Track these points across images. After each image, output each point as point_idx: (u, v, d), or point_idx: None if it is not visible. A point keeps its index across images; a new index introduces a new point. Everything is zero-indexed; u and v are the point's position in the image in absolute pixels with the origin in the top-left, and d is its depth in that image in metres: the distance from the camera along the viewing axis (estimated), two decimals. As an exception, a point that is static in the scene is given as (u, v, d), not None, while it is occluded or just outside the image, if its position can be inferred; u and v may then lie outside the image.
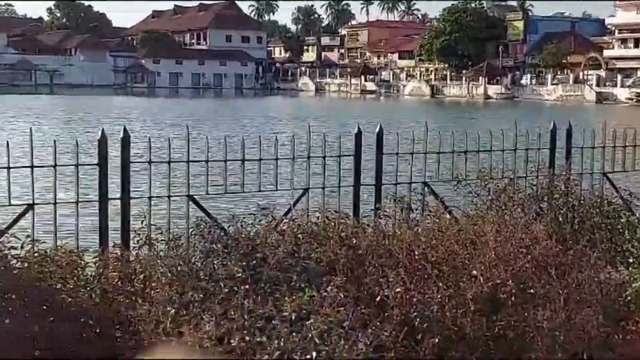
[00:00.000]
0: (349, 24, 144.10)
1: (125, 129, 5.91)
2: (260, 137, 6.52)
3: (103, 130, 5.87)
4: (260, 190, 6.71)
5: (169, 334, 4.00)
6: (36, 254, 4.76)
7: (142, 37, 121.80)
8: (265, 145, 6.73)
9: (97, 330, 4.37)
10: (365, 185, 7.19)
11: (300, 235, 5.23)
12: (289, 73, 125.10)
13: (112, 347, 4.23)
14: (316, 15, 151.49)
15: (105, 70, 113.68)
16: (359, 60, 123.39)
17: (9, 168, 5.52)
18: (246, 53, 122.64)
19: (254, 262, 4.63)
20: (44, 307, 4.26)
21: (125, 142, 5.89)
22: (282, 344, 3.60)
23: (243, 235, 4.96)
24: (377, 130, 7.17)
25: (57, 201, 5.69)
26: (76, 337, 4.24)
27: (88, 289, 4.62)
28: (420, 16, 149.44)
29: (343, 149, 6.90)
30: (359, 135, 7.05)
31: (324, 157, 6.87)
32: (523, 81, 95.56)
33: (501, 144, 7.75)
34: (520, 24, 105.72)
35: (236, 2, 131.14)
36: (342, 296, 3.97)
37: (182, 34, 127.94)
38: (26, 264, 4.55)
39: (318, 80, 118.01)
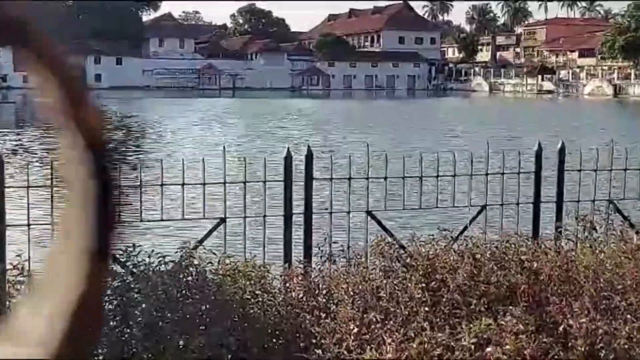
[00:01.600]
0: (526, 22, 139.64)
1: (309, 148, 6.21)
2: (438, 154, 6.58)
3: (288, 148, 6.18)
4: (437, 207, 6.78)
5: (351, 351, 4.16)
6: (228, 267, 5.11)
7: (318, 40, 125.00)
8: (443, 159, 6.77)
9: (283, 342, 4.62)
10: (546, 202, 7.04)
11: (478, 256, 5.23)
12: (462, 73, 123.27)
13: (297, 359, 4.46)
14: (491, 15, 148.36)
15: (283, 73, 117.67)
16: (535, 60, 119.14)
17: (204, 184, 5.96)
18: (419, 54, 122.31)
19: (433, 283, 4.71)
20: (236, 319, 4.57)
21: (309, 160, 6.18)
22: (462, 372, 3.65)
23: (422, 255, 5.05)
24: (559, 146, 7.01)
25: (246, 215, 6.07)
26: (264, 348, 4.52)
27: (275, 302, 4.89)
28: (602, 12, 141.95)
29: (521, 163, 6.82)
30: (539, 153, 6.93)
31: (503, 174, 6.81)
32: None
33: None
34: None
35: (410, 3, 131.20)
36: (522, 327, 3.95)
37: (357, 37, 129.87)
38: (220, 277, 4.90)
39: (492, 80, 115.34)
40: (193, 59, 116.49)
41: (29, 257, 4.87)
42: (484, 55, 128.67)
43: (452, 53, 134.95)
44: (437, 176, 6.61)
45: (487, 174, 6.75)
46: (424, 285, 4.63)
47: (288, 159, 6.12)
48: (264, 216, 6.12)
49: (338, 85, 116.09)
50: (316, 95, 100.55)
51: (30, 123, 43.73)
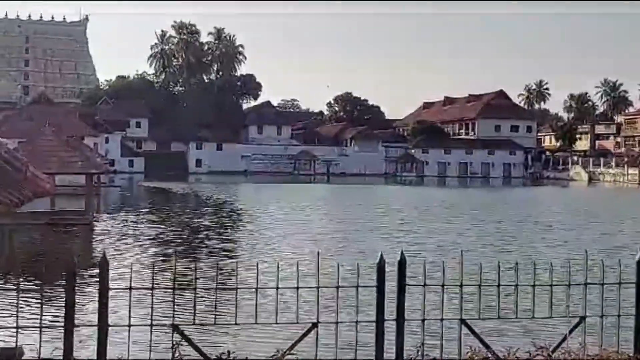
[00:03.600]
0: (626, 111, 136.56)
1: (402, 253, 6.22)
2: (534, 263, 6.47)
3: (382, 254, 6.22)
4: (533, 317, 6.61)
5: None
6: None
7: (413, 127, 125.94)
8: (540, 265, 6.64)
9: None
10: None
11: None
12: (560, 162, 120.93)
13: None
14: (590, 103, 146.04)
15: (377, 159, 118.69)
16: (637, 149, 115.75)
17: (297, 288, 6.05)
18: (515, 142, 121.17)
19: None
20: None
21: (402, 266, 6.18)
22: None
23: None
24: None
25: (339, 321, 6.09)
26: None
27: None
28: None
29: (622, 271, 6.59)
30: (641, 262, 6.69)
31: (602, 285, 6.59)
32: None
33: None
34: None
35: (506, 91, 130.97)
36: None
37: (452, 124, 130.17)
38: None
39: (591, 169, 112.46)
40: (289, 145, 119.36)
41: (128, 357, 5.03)
42: (582, 144, 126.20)
43: (549, 141, 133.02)
44: (534, 285, 6.48)
45: (586, 284, 6.55)
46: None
47: (381, 265, 6.15)
48: (356, 322, 6.12)
49: (432, 171, 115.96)
50: (410, 181, 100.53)
51: (134, 207, 45.54)
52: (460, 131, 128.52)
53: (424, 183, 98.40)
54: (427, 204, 52.02)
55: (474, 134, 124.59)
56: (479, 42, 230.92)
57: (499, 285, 6.40)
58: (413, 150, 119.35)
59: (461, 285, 6.34)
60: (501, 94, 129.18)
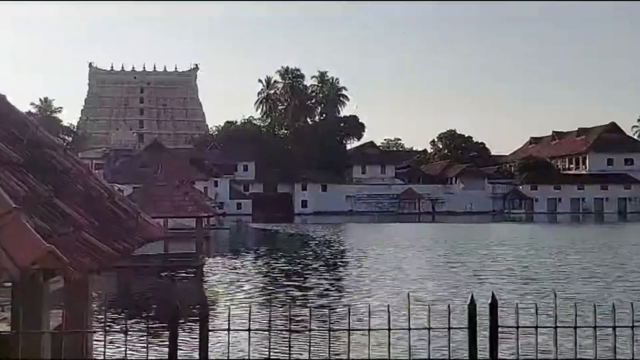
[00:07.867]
0: None
1: (493, 295, 6.25)
2: (613, 305, 6.33)
3: (472, 296, 6.27)
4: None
5: None
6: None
7: (520, 163, 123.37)
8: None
9: None
10: None
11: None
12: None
13: None
14: None
15: (484, 197, 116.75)
16: None
17: (389, 330, 6.18)
18: (629, 176, 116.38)
19: None
20: None
21: (493, 308, 6.21)
22: None
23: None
24: None
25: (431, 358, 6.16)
26: None
27: None
28: None
29: None
30: None
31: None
32: None
33: None
34: None
35: (618, 124, 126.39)
36: None
37: (561, 159, 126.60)
38: None
39: None
40: (394, 184, 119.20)
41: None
42: None
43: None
44: (614, 326, 6.33)
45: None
46: None
47: (472, 307, 6.19)
48: (449, 363, 6.17)
49: (541, 208, 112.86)
50: (518, 219, 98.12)
51: (242, 249, 46.68)
52: (570, 166, 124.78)
53: (534, 220, 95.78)
54: (539, 243, 50.70)
55: (585, 168, 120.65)
56: (587, 74, 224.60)
57: (575, 327, 6.29)
58: (521, 187, 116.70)
59: (555, 327, 6.28)
60: (613, 127, 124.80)
